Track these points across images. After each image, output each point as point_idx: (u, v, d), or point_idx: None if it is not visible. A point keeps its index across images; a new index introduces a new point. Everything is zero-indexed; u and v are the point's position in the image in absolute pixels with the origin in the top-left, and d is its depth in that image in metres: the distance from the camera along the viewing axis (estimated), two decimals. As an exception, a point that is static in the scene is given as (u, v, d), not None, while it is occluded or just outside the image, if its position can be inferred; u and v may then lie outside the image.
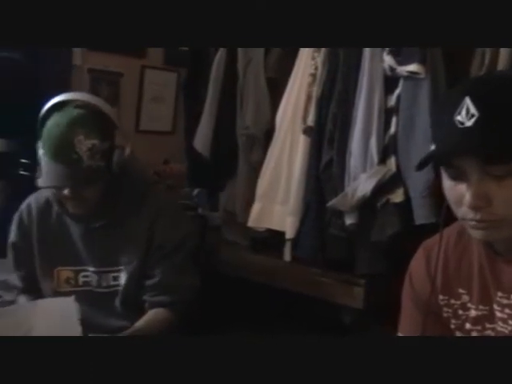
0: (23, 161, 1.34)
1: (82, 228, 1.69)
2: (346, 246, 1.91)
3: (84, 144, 1.49)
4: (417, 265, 1.19)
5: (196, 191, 2.60)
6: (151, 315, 1.66)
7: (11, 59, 1.04)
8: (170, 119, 3.02)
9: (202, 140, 2.26)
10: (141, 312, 1.69)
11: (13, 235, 1.74)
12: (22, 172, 1.11)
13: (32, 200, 1.74)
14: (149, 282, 1.67)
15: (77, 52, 2.62)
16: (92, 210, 1.63)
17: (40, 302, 1.64)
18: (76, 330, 1.49)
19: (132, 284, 1.67)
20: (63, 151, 1.47)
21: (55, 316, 1.56)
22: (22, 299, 1.78)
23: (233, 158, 2.23)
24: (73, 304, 1.57)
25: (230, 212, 2.25)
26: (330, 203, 1.86)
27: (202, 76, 2.37)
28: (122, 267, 1.68)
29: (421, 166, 0.96)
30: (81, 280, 1.72)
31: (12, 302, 1.81)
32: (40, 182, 1.53)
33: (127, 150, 1.61)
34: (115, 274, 1.69)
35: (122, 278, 1.69)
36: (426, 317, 1.11)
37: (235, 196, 2.23)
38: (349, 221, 1.84)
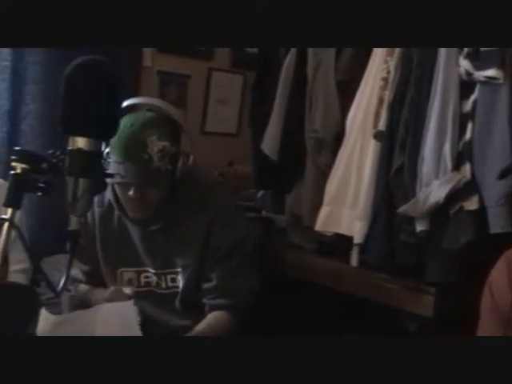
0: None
1: (141, 230, 1.72)
2: (415, 253, 1.87)
3: (156, 145, 1.53)
4: (498, 275, 1.16)
5: (260, 193, 2.61)
6: (211, 318, 1.68)
7: (97, 60, 1.06)
8: (235, 121, 3.04)
9: (269, 142, 2.27)
10: (201, 312, 1.71)
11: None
12: (106, 171, 1.13)
13: (95, 203, 1.78)
14: (206, 285, 1.69)
15: (147, 54, 2.68)
16: (151, 215, 1.66)
17: (100, 307, 1.68)
18: (136, 334, 1.52)
19: (190, 286, 1.70)
20: (135, 150, 1.51)
21: (115, 321, 1.59)
22: (82, 288, 1.82)
23: (300, 161, 2.23)
24: (132, 308, 1.61)
25: (296, 215, 2.24)
26: (401, 209, 1.83)
27: (270, 78, 2.37)
28: (179, 269, 1.71)
29: (503, 174, 0.93)
30: (143, 281, 1.76)
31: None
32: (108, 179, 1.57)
33: (191, 158, 1.64)
34: (173, 276, 1.72)
35: (180, 280, 1.71)
36: (506, 328, 1.09)
37: (302, 199, 2.22)
38: (420, 227, 1.81)
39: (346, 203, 2.02)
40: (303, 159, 2.23)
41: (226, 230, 1.68)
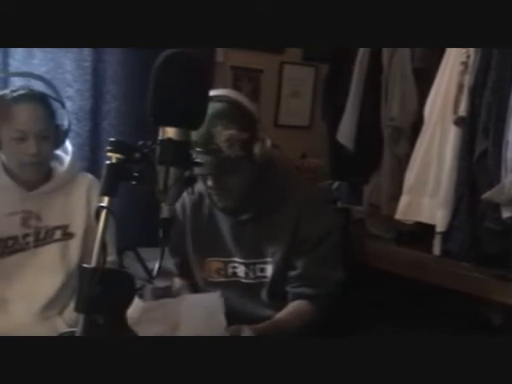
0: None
1: (230, 220, 1.74)
2: (501, 240, 1.83)
3: (222, 134, 1.54)
4: None
5: (336, 184, 2.59)
6: (292, 307, 1.68)
7: (188, 51, 1.08)
8: (307, 114, 3.03)
9: (345, 132, 2.26)
10: (287, 302, 1.71)
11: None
12: (196, 161, 1.16)
13: (185, 193, 1.82)
14: (292, 273, 1.69)
15: (219, 49, 2.71)
16: (238, 203, 1.68)
17: (187, 297, 1.71)
18: (221, 325, 1.54)
19: (278, 276, 1.70)
20: (204, 142, 1.53)
21: (201, 311, 1.61)
22: (177, 283, 1.86)
23: (377, 151, 2.21)
24: (218, 300, 1.62)
25: (374, 205, 2.22)
26: (486, 195, 1.79)
27: (344, 68, 2.37)
28: (268, 259, 1.72)
29: None
30: (230, 271, 1.78)
31: (164, 289, 1.90)
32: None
33: (268, 143, 1.64)
34: (262, 266, 1.73)
35: (269, 270, 1.72)
36: None
37: (380, 189, 2.20)
38: (506, 214, 1.76)
39: (426, 191, 1.98)
40: (380, 148, 2.21)
41: (314, 219, 1.68)
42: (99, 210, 1.03)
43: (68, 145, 1.91)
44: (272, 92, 2.92)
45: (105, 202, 1.04)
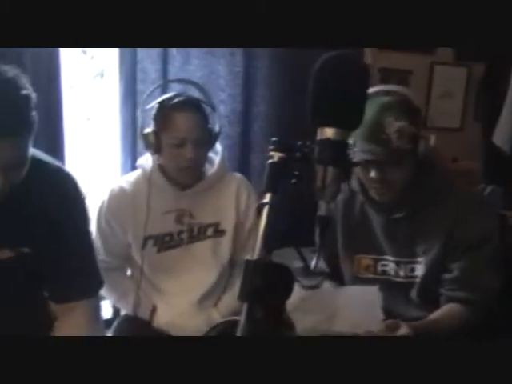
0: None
1: (383, 218, 1.74)
2: None
3: (393, 126, 1.56)
4: None
5: (489, 189, 2.49)
6: (446, 310, 1.64)
7: (348, 53, 1.10)
8: (458, 115, 2.94)
9: (502, 135, 2.17)
10: (436, 303, 1.67)
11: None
12: (354, 161, 1.17)
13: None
14: (447, 276, 1.65)
15: (367, 51, 2.71)
16: (395, 199, 1.67)
17: (345, 288, 1.73)
18: (377, 319, 1.54)
19: (429, 276, 1.67)
20: (374, 132, 1.56)
21: (359, 303, 1.62)
22: (327, 285, 1.89)
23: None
24: (377, 293, 1.63)
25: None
26: None
27: (501, 69, 2.26)
28: (420, 259, 1.69)
29: None
30: (379, 269, 1.77)
31: (311, 288, 1.93)
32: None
33: (432, 139, 1.63)
34: (412, 265, 1.71)
35: (420, 270, 1.69)
36: None
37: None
38: None
39: None
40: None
41: (473, 221, 1.63)
42: (262, 205, 1.07)
43: (218, 145, 2.00)
44: (421, 93, 2.86)
45: (267, 198, 1.09)
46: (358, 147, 1.57)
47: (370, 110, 1.57)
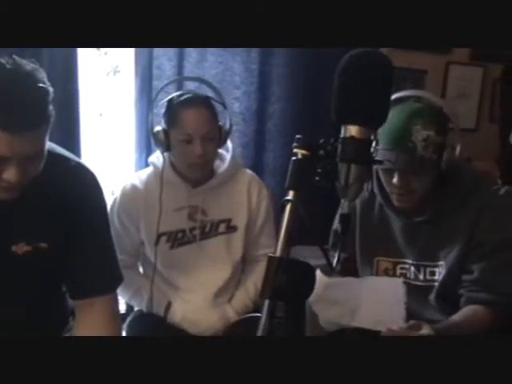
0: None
1: (402, 221, 1.73)
2: None
3: (420, 134, 1.54)
4: None
5: (503, 190, 2.46)
6: (469, 311, 1.62)
7: (373, 51, 1.10)
8: (473, 116, 2.92)
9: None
10: (456, 307, 1.66)
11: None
12: (377, 159, 1.17)
13: None
14: (467, 277, 1.64)
15: (383, 50, 2.68)
16: (415, 205, 1.66)
17: (371, 278, 1.73)
18: (400, 312, 1.54)
19: (449, 280, 1.66)
20: (401, 139, 1.55)
21: (382, 295, 1.62)
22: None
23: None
24: (401, 286, 1.63)
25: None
26: None
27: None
28: (440, 263, 1.68)
29: None
30: (398, 272, 1.76)
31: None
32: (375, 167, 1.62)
33: (458, 150, 1.62)
34: (432, 269, 1.70)
35: (439, 273, 1.68)
36: None
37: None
38: None
39: None
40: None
41: (493, 224, 1.61)
42: (285, 202, 1.07)
43: (229, 143, 1.99)
44: (436, 93, 2.84)
45: (290, 195, 1.08)
46: (380, 153, 1.56)
47: (399, 115, 1.56)
